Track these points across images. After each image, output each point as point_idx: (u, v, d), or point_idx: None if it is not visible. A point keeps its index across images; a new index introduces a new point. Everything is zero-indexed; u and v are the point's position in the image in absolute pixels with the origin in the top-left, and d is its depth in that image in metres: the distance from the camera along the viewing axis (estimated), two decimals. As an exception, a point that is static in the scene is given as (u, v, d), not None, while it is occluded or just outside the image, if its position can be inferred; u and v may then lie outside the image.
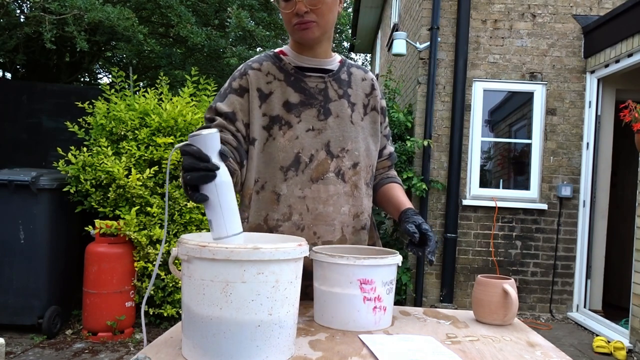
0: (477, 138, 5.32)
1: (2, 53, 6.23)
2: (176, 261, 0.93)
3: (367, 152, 1.40)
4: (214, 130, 0.96)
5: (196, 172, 0.93)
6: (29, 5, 6.43)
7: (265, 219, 1.33)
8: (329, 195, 1.33)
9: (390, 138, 1.56)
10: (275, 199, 1.32)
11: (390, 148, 1.54)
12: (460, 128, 5.19)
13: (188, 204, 4.01)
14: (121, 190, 3.94)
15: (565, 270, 5.26)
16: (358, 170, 1.38)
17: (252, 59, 1.40)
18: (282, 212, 1.32)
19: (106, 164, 3.91)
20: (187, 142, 0.95)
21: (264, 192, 1.33)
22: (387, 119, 1.51)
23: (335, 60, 1.42)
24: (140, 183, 3.93)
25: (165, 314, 3.94)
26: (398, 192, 1.47)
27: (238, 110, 1.31)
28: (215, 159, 0.95)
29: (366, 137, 1.40)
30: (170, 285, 3.96)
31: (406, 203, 1.40)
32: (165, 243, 3.96)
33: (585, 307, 5.17)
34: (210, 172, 0.94)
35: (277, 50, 1.42)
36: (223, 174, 0.95)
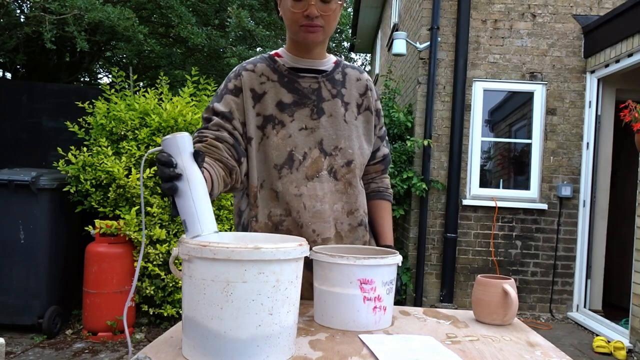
0: (477, 138, 5.32)
1: (2, 53, 6.23)
2: (176, 261, 0.93)
3: (360, 150, 1.41)
4: (185, 133, 0.99)
5: (165, 181, 0.97)
6: (29, 5, 6.43)
7: (269, 215, 1.35)
8: (324, 193, 1.35)
9: (386, 139, 1.57)
10: (274, 196, 1.35)
11: (385, 150, 1.54)
12: (460, 128, 5.19)
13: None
14: (121, 190, 3.94)
15: (565, 270, 5.26)
16: (352, 167, 1.39)
17: (246, 60, 1.42)
18: (282, 208, 1.34)
19: (106, 163, 3.91)
20: (159, 147, 0.98)
21: (264, 190, 1.36)
22: (382, 121, 1.52)
23: (329, 60, 1.44)
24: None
25: (165, 314, 3.94)
26: (384, 216, 1.52)
27: (234, 109, 1.34)
28: (187, 160, 0.97)
29: (360, 136, 1.42)
30: (170, 285, 3.96)
31: (387, 237, 1.49)
32: (166, 243, 3.96)
33: (585, 307, 5.17)
34: (174, 179, 0.97)
35: (272, 52, 1.44)
36: (193, 174, 0.97)
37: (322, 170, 1.35)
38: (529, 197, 5.31)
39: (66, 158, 4.08)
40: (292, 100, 1.36)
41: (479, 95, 5.32)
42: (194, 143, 1.28)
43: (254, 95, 1.35)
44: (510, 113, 5.68)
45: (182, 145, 0.98)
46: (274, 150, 1.33)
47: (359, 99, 1.45)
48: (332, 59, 1.45)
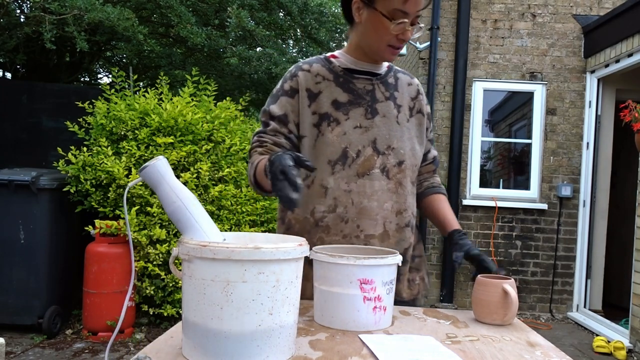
0: (477, 138, 5.32)
1: (2, 53, 6.23)
2: (176, 261, 0.93)
3: (412, 151, 1.44)
4: (161, 157, 0.99)
5: (286, 200, 1.05)
6: (29, 5, 6.43)
7: (312, 211, 1.39)
8: (373, 191, 1.37)
9: (434, 142, 1.61)
10: (323, 192, 1.38)
11: (434, 152, 1.60)
12: (460, 128, 5.19)
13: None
14: (121, 190, 3.94)
15: (565, 270, 5.26)
16: (403, 168, 1.42)
17: (302, 61, 1.46)
18: (327, 204, 1.37)
19: (106, 163, 3.91)
20: (142, 172, 0.97)
21: (313, 186, 1.39)
22: (432, 124, 1.58)
23: (383, 66, 1.47)
24: (141, 183, 3.93)
25: (165, 314, 3.94)
26: (444, 207, 1.53)
27: (289, 111, 1.39)
28: (173, 182, 0.97)
29: (412, 138, 1.45)
30: (170, 285, 3.96)
31: (453, 223, 1.48)
32: (166, 243, 3.96)
33: (585, 307, 5.17)
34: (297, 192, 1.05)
35: (328, 54, 1.48)
36: (185, 194, 0.97)
37: (374, 168, 1.38)
38: (529, 197, 5.31)
39: (66, 158, 4.08)
40: (347, 100, 1.39)
41: (479, 95, 5.32)
42: (254, 147, 1.39)
43: (309, 94, 1.39)
44: (510, 113, 5.68)
45: (163, 170, 0.97)
46: (329, 146, 1.36)
47: (411, 102, 1.49)
48: (385, 64, 1.48)
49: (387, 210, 1.39)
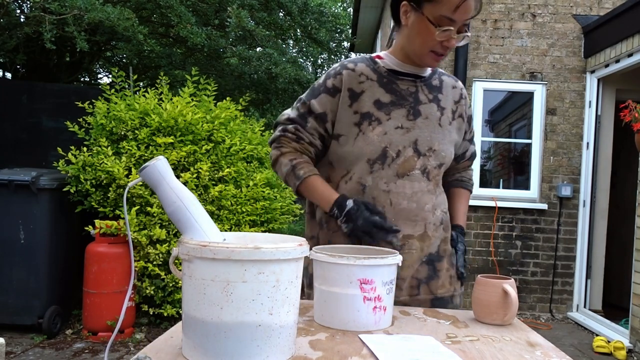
0: (477, 138, 5.32)
1: (2, 53, 6.23)
2: (176, 261, 0.93)
3: (451, 154, 1.47)
4: (161, 157, 0.99)
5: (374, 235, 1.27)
6: (29, 5, 6.43)
7: None
8: (413, 192, 1.38)
9: (474, 140, 1.66)
10: (361, 189, 1.38)
11: (473, 148, 1.63)
12: (460, 128, 5.19)
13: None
14: (121, 190, 3.94)
15: (565, 270, 5.26)
16: (442, 170, 1.45)
17: (348, 59, 1.45)
18: None
19: (106, 163, 3.91)
20: (142, 172, 0.96)
21: (350, 183, 1.40)
22: (472, 126, 1.61)
23: (427, 68, 1.47)
24: (141, 183, 3.93)
25: (165, 314, 3.94)
26: (459, 201, 1.59)
27: (329, 110, 1.40)
28: (173, 182, 0.97)
29: (452, 141, 1.47)
30: (170, 285, 3.95)
31: (459, 218, 1.56)
32: (166, 243, 3.96)
33: (585, 307, 5.17)
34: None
35: (374, 55, 1.48)
36: (185, 194, 0.97)
37: (414, 169, 1.39)
38: (529, 197, 5.31)
39: (66, 158, 4.08)
40: (390, 100, 1.40)
41: (479, 95, 5.32)
42: (289, 137, 1.41)
43: (351, 94, 1.39)
44: (510, 113, 5.68)
45: (163, 170, 0.96)
46: (369, 145, 1.36)
47: (454, 105, 1.49)
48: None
49: (428, 211, 1.40)
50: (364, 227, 1.29)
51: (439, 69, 1.53)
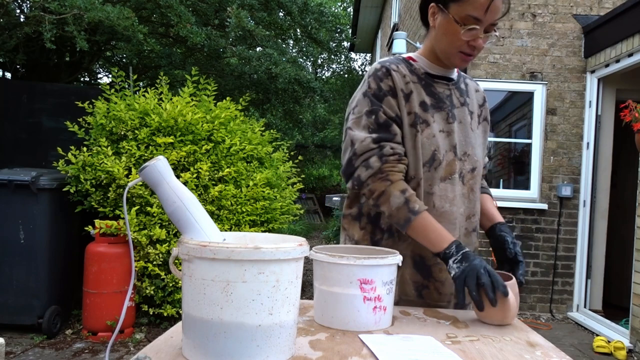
0: (477, 138, 5.31)
1: (2, 53, 6.22)
2: (176, 261, 0.93)
3: (482, 159, 1.47)
4: (160, 157, 0.99)
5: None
6: (29, 5, 6.43)
7: None
8: (454, 195, 1.38)
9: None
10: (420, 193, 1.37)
11: (487, 157, 1.62)
12: (460, 128, 5.19)
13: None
14: (121, 190, 3.94)
15: (566, 270, 5.26)
16: (475, 174, 1.44)
17: (382, 60, 1.41)
18: None
19: (106, 163, 3.91)
20: (142, 172, 0.96)
21: (410, 185, 1.35)
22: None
23: (454, 71, 1.47)
24: (141, 183, 3.93)
25: (165, 314, 3.94)
26: (489, 205, 1.55)
27: (397, 111, 1.36)
28: (174, 182, 0.96)
29: (480, 145, 1.48)
30: (170, 285, 3.95)
31: (497, 218, 1.49)
32: (166, 243, 3.96)
33: (585, 307, 5.17)
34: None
35: (405, 56, 1.46)
36: (185, 195, 0.97)
37: (455, 173, 1.39)
38: (529, 197, 5.31)
39: (66, 158, 4.08)
40: (431, 103, 1.39)
41: (479, 95, 5.31)
42: (392, 161, 1.31)
43: (404, 94, 1.37)
44: (510, 113, 5.68)
45: (163, 170, 0.96)
46: (421, 147, 1.35)
47: (478, 109, 1.51)
48: (455, 69, 1.48)
49: (462, 215, 1.41)
50: (481, 266, 1.17)
51: (461, 73, 1.52)
